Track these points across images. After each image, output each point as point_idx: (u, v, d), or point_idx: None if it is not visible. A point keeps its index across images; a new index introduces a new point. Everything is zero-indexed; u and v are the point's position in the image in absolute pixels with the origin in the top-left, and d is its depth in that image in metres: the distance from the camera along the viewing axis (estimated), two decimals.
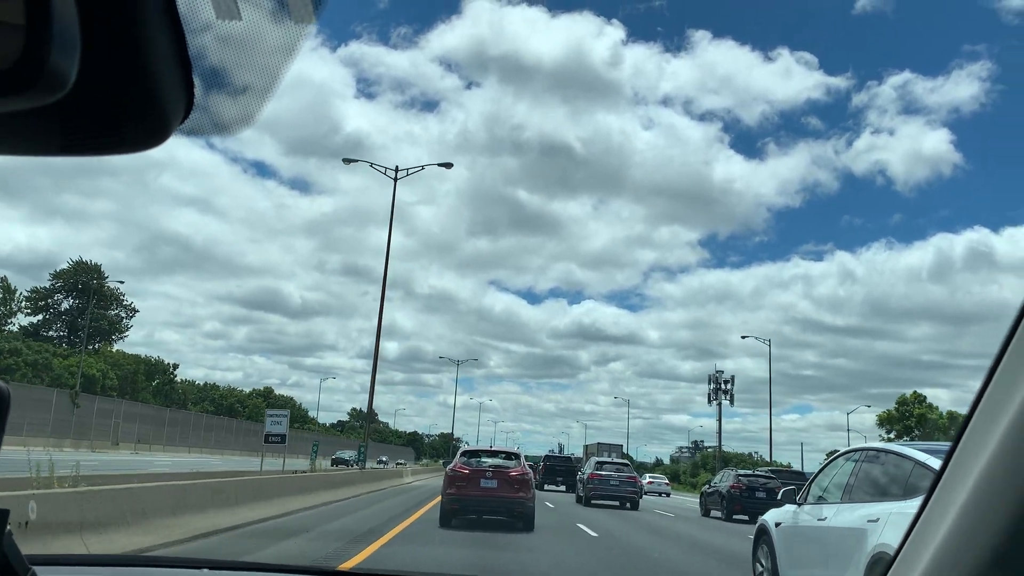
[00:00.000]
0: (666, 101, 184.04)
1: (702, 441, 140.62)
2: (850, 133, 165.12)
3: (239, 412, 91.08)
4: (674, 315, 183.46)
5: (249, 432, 73.35)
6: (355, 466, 36.10)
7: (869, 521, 6.04)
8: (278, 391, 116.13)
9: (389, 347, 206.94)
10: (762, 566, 8.37)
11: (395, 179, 29.53)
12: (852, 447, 7.60)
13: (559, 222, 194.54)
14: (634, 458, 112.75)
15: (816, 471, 8.15)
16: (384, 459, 79.51)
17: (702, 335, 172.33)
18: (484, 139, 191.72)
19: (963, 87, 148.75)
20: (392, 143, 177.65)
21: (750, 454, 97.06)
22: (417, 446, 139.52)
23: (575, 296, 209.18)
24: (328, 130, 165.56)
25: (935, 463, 5.71)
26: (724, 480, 26.67)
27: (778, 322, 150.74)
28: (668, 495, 50.01)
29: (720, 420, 64.40)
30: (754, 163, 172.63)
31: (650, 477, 54.90)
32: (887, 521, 5.74)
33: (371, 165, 30.64)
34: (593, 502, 26.05)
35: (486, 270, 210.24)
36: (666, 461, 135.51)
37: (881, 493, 6.48)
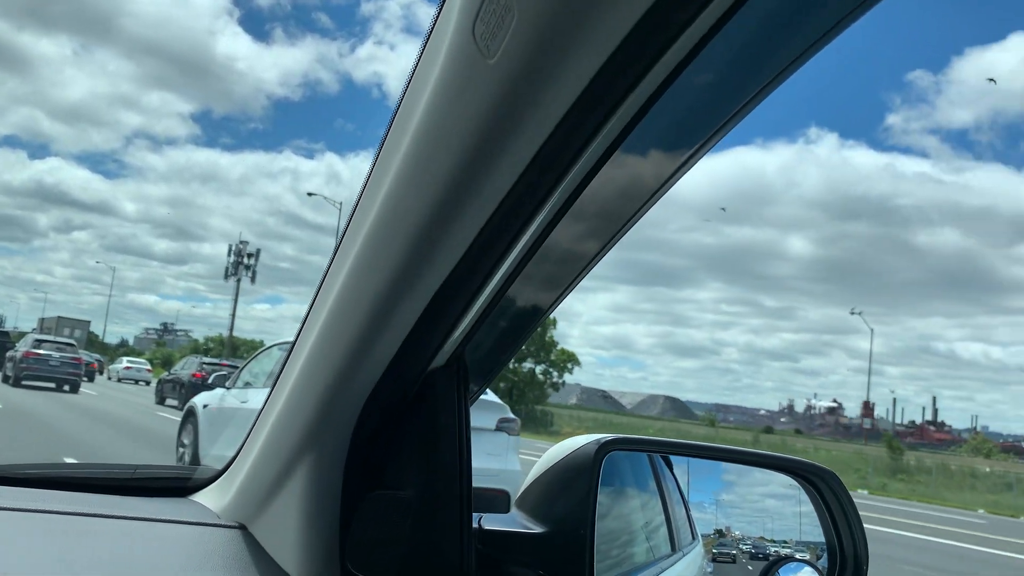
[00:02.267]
0: None
1: (172, 324, 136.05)
2: (355, 40, 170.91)
3: None
4: (155, 189, 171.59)
5: None
6: None
7: None
8: None
9: None
10: (184, 446, 8.62)
11: None
12: (284, 339, 8.22)
13: (27, 59, 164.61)
14: (99, 337, 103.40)
15: (248, 359, 8.64)
16: None
17: (182, 214, 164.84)
18: None
19: None
20: None
21: (262, 341, 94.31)
22: None
23: (38, 150, 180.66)
24: None
25: None
26: (187, 368, 26.08)
27: (262, 212, 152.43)
28: (148, 383, 44.58)
29: (236, 298, 60.51)
30: (260, 46, 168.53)
31: (128, 362, 48.68)
32: None
33: None
34: (25, 383, 24.46)
35: None
36: (131, 342, 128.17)
37: None
